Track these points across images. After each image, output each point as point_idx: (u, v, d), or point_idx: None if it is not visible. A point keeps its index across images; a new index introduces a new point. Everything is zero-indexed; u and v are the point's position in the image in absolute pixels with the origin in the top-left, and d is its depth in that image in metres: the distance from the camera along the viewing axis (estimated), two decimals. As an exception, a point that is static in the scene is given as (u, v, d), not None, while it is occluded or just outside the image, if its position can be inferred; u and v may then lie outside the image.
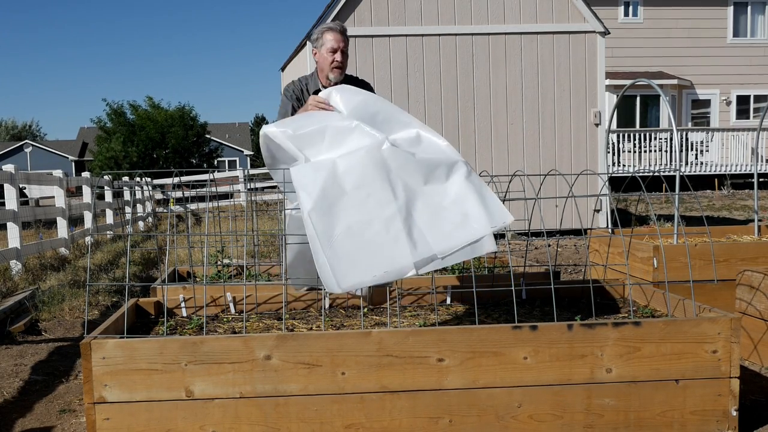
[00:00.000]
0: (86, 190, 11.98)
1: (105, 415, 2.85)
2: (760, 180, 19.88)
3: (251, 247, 7.87)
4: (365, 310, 3.80)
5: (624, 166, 19.11)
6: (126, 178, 20.01)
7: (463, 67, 10.52)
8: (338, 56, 4.13)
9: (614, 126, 19.72)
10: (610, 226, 10.71)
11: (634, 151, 19.21)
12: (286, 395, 2.90)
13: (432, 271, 4.73)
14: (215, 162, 36.80)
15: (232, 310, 3.78)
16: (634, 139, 19.19)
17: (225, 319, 3.64)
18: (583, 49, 10.63)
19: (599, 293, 4.02)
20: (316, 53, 4.21)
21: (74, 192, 22.27)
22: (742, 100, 21.93)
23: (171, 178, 20.40)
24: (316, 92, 4.26)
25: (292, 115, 4.32)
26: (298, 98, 4.37)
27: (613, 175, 17.59)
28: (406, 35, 10.37)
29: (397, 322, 3.48)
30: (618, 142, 19.07)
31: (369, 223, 2.94)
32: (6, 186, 8.12)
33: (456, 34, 10.46)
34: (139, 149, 31.91)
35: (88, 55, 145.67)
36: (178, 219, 16.27)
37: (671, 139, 19.01)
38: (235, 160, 55.38)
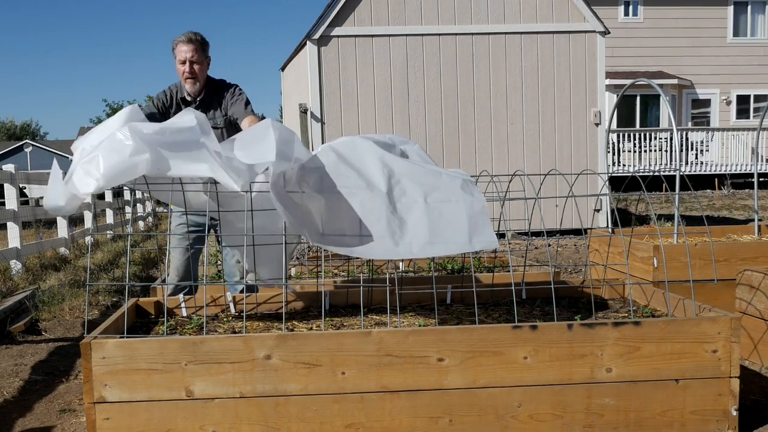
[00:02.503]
0: (86, 190, 11.95)
1: (105, 414, 2.85)
2: (760, 180, 19.87)
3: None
4: (365, 309, 3.80)
5: (624, 165, 19.11)
6: (126, 178, 19.92)
7: (463, 67, 10.52)
8: (186, 67, 4.33)
9: (614, 126, 19.72)
10: (610, 225, 10.71)
11: (634, 151, 19.20)
12: (286, 395, 2.90)
13: (432, 271, 4.73)
14: (215, 162, 36.77)
15: (232, 310, 3.78)
16: (634, 139, 19.18)
17: (225, 319, 3.64)
18: (583, 49, 10.62)
19: (599, 293, 4.02)
20: (176, 62, 4.41)
21: (74, 192, 22.23)
22: (742, 100, 21.92)
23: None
24: (183, 99, 4.44)
25: (149, 117, 4.45)
26: (162, 106, 4.54)
27: (613, 174, 17.59)
28: (406, 35, 10.37)
29: (397, 321, 3.48)
30: (618, 141, 19.07)
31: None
32: (6, 186, 8.12)
33: (456, 34, 10.46)
34: (139, 149, 31.90)
35: (88, 55, 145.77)
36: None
37: (671, 139, 19.01)
38: (235, 160, 55.26)
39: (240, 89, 4.54)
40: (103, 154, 2.82)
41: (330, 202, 3.02)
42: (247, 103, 4.48)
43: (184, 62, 4.33)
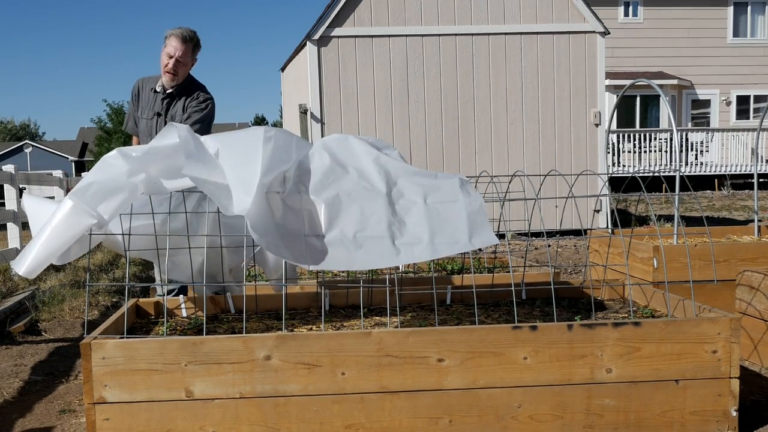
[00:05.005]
0: (86, 191, 11.94)
1: (105, 415, 2.85)
2: (760, 180, 19.87)
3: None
4: (365, 310, 3.80)
5: (624, 166, 19.11)
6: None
7: (463, 67, 10.52)
8: (171, 63, 4.32)
9: (614, 126, 19.72)
10: (610, 226, 10.71)
11: (634, 152, 19.20)
12: (286, 395, 2.90)
13: (432, 272, 4.73)
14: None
15: (232, 310, 3.78)
16: (634, 140, 19.18)
17: (225, 319, 3.64)
18: (583, 49, 10.62)
19: (599, 293, 4.02)
20: (163, 50, 4.40)
21: (74, 192, 22.22)
22: (742, 100, 21.92)
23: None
24: (153, 90, 4.50)
25: (135, 121, 4.62)
26: (135, 101, 4.62)
27: (613, 175, 17.59)
28: (406, 35, 10.36)
29: (397, 322, 3.48)
30: (618, 142, 19.07)
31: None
32: (6, 186, 8.11)
33: (456, 34, 10.45)
34: (139, 149, 31.91)
35: (88, 55, 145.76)
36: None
37: (671, 140, 19.01)
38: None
39: (208, 104, 4.45)
40: (100, 183, 2.82)
41: (329, 206, 3.02)
42: (200, 121, 4.40)
43: (170, 56, 4.32)
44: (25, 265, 2.77)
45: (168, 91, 4.43)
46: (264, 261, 3.67)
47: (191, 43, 4.34)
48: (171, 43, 4.31)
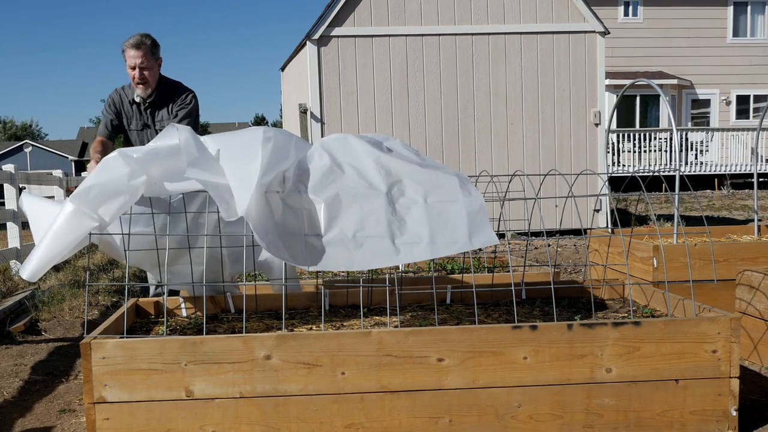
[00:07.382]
0: (86, 190, 11.93)
1: (105, 414, 2.85)
2: (760, 180, 19.87)
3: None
4: (365, 309, 3.80)
5: (624, 166, 19.11)
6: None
7: (463, 67, 10.52)
8: (137, 73, 4.34)
9: (614, 126, 19.71)
10: (609, 226, 10.71)
11: (634, 151, 19.20)
12: (286, 395, 2.90)
13: (432, 271, 4.73)
14: (215, 162, 36.69)
15: (232, 310, 3.78)
16: (634, 139, 19.18)
17: (225, 319, 3.64)
18: (583, 49, 10.62)
19: (599, 293, 4.02)
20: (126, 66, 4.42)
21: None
22: (742, 100, 21.92)
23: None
24: (132, 101, 4.46)
25: (111, 127, 4.59)
26: (115, 109, 4.61)
27: (613, 175, 17.59)
28: (406, 35, 10.36)
29: (397, 321, 3.48)
30: (618, 142, 19.07)
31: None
32: (6, 186, 8.11)
33: (456, 34, 10.46)
34: (139, 149, 31.88)
35: (88, 55, 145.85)
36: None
37: (671, 139, 19.01)
38: (235, 160, 55.18)
39: (191, 98, 4.47)
40: (101, 186, 2.82)
41: (329, 205, 3.02)
42: (187, 117, 4.42)
43: (134, 68, 4.33)
44: (28, 269, 2.80)
45: (149, 101, 4.44)
46: (269, 267, 3.66)
47: (146, 46, 4.34)
48: (129, 55, 4.33)
